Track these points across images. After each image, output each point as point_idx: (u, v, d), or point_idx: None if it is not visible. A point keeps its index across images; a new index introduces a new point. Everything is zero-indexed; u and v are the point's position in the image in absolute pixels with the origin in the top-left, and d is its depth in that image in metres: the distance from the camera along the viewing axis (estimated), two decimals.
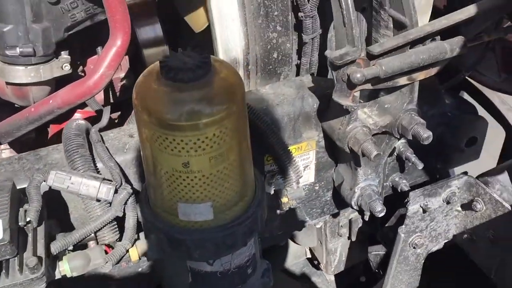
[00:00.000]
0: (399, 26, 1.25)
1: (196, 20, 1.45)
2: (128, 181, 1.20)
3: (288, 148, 1.25)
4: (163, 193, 1.01)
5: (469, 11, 1.16)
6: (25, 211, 0.98)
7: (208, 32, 1.41)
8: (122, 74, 1.59)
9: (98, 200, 1.06)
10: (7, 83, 1.33)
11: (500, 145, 1.75)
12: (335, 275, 2.28)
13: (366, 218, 1.79)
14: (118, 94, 1.60)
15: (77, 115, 1.63)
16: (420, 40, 1.18)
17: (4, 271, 0.90)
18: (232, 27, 1.35)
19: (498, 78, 1.46)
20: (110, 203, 1.07)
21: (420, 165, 1.47)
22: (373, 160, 1.24)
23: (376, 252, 2.12)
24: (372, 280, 2.18)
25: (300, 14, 1.32)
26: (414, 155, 1.49)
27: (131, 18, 1.28)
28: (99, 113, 1.64)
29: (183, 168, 0.96)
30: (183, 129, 0.91)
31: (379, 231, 1.81)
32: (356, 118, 1.28)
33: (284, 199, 1.23)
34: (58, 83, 1.39)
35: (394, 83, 1.24)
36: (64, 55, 1.35)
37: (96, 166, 1.16)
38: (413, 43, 1.18)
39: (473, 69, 1.46)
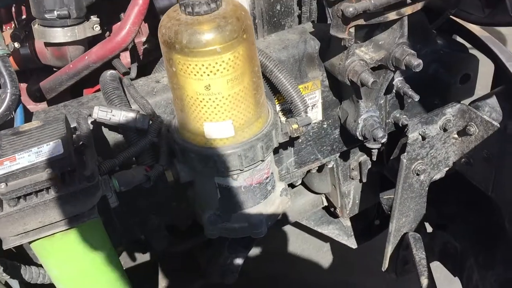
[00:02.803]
0: None
1: None
2: None
3: (294, 82, 1.43)
4: (190, 116, 1.20)
5: None
6: (77, 136, 1.17)
7: None
8: (144, 38, 1.77)
9: (136, 129, 1.25)
10: (46, 45, 1.53)
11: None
12: (351, 221, 2.46)
13: (374, 158, 1.97)
14: (141, 56, 1.79)
15: None
16: None
17: (66, 181, 1.10)
18: None
19: (482, 14, 1.61)
20: (146, 131, 1.26)
21: (416, 97, 1.63)
22: (371, 87, 1.40)
23: (388, 196, 2.29)
24: (385, 223, 2.34)
25: None
26: (410, 89, 1.66)
27: None
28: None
29: (205, 90, 1.15)
30: (203, 54, 1.10)
31: (385, 166, 1.97)
32: (353, 52, 1.45)
33: (294, 126, 1.40)
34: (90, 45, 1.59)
35: (385, 18, 1.40)
36: (94, 18, 1.54)
37: (130, 106, 1.35)
38: None
39: (457, 5, 1.61)
